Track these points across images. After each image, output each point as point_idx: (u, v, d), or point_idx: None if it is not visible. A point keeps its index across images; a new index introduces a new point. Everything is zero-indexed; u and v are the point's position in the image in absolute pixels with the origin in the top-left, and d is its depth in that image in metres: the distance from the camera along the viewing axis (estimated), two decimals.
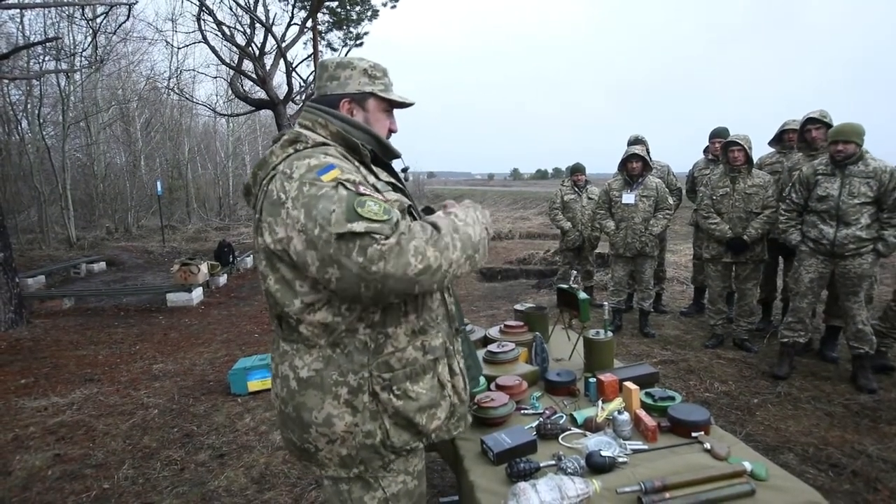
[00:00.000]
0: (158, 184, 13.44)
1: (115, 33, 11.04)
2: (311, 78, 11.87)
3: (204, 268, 7.68)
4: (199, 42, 10.43)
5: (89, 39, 9.96)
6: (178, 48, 13.58)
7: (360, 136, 1.28)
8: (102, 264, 10.41)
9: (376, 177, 1.27)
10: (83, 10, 9.49)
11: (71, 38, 14.39)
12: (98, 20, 9.41)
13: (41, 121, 14.07)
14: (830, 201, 3.38)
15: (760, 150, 4.59)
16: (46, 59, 13.08)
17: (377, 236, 1.02)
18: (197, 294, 7.20)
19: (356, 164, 1.22)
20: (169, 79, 15.42)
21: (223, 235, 13.61)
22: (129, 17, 9.16)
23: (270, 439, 3.18)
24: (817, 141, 3.92)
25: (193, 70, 16.34)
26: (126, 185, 18.05)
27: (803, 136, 4.05)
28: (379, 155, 1.34)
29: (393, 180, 1.34)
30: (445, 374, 1.31)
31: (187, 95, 15.34)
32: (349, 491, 1.26)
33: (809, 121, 3.99)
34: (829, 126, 3.78)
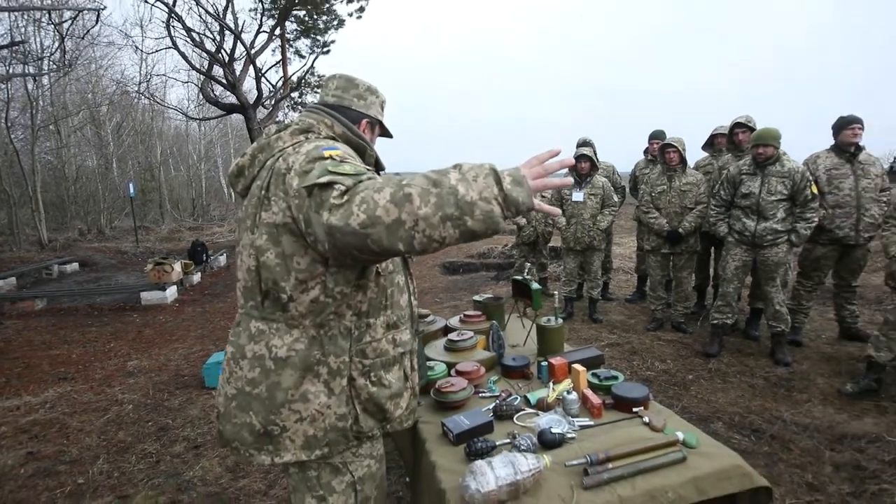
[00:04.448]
0: (131, 186, 12.85)
1: (83, 38, 10.46)
2: (279, 83, 11.58)
3: (178, 266, 7.40)
4: (169, 48, 10.02)
5: (57, 44, 9.39)
6: (148, 53, 12.93)
7: (362, 145, 1.29)
8: (75, 265, 9.90)
9: None
10: (50, 14, 8.94)
11: (38, 42, 13.56)
12: (65, 25, 8.89)
13: (9, 124, 13.21)
14: (752, 198, 3.53)
15: (696, 152, 4.76)
16: (13, 62, 12.27)
17: (337, 186, 0.94)
18: (171, 292, 6.94)
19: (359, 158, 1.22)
20: (139, 83, 14.71)
21: (196, 235, 13.17)
22: (97, 22, 8.69)
23: None
24: (743, 143, 4.11)
25: (164, 75, 15.58)
26: (98, 187, 17.17)
27: (732, 139, 4.23)
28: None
29: None
30: (409, 367, 1.33)
31: (158, 100, 14.72)
32: (318, 477, 1.23)
33: (737, 125, 4.18)
34: (753, 130, 3.96)
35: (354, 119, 1.32)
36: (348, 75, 1.36)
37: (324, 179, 0.96)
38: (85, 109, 16.99)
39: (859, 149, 3.66)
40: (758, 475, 1.35)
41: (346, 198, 0.93)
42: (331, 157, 1.05)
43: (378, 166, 1.36)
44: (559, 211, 1.04)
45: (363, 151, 1.27)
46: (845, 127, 3.64)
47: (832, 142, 3.77)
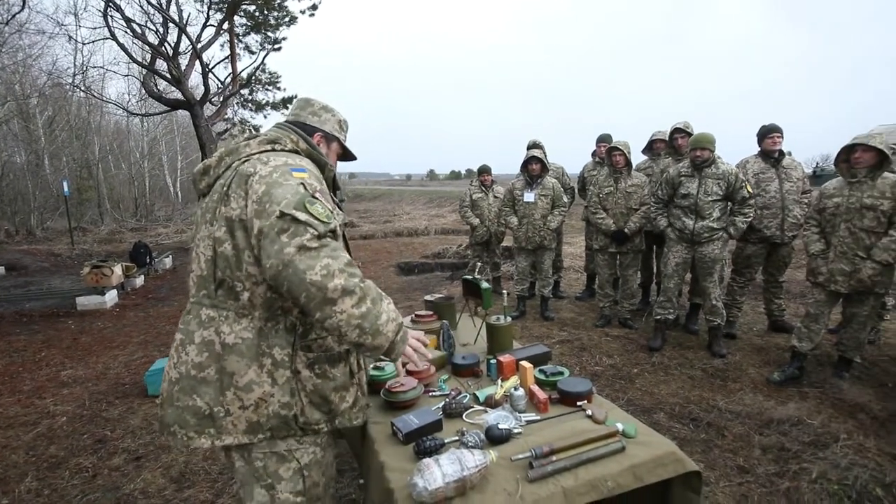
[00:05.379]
0: (65, 184, 12.00)
1: (7, 24, 9.69)
2: (228, 80, 11.17)
3: (118, 269, 7.00)
4: (107, 38, 9.43)
5: None
6: (83, 44, 12.04)
7: (322, 160, 1.41)
8: (1, 269, 9.17)
9: (331, 193, 1.41)
10: None
11: None
12: None
13: None
14: (691, 198, 3.73)
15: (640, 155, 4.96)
16: None
17: (311, 230, 1.11)
18: (111, 296, 6.55)
19: (320, 178, 1.34)
20: (74, 75, 13.76)
21: (139, 236, 12.52)
22: (23, 7, 8.08)
23: None
24: (682, 147, 4.33)
25: (102, 67, 14.67)
26: (28, 185, 15.96)
27: (672, 144, 4.45)
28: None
29: (337, 202, 1.48)
30: (355, 365, 1.39)
31: (95, 93, 13.83)
32: (264, 467, 1.28)
33: (676, 131, 4.40)
34: (691, 135, 4.18)
35: (309, 132, 1.45)
36: (307, 97, 1.53)
37: (301, 217, 1.12)
38: (11, 101, 15.73)
39: (782, 154, 3.95)
40: (690, 460, 1.44)
41: (317, 244, 1.11)
42: (302, 183, 1.19)
43: (335, 185, 1.48)
44: (423, 365, 1.42)
45: (323, 167, 1.40)
46: (766, 136, 3.94)
47: (758, 148, 4.05)
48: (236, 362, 1.22)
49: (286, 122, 1.47)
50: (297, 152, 1.35)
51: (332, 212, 1.19)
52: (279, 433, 1.26)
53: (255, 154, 1.28)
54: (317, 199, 1.17)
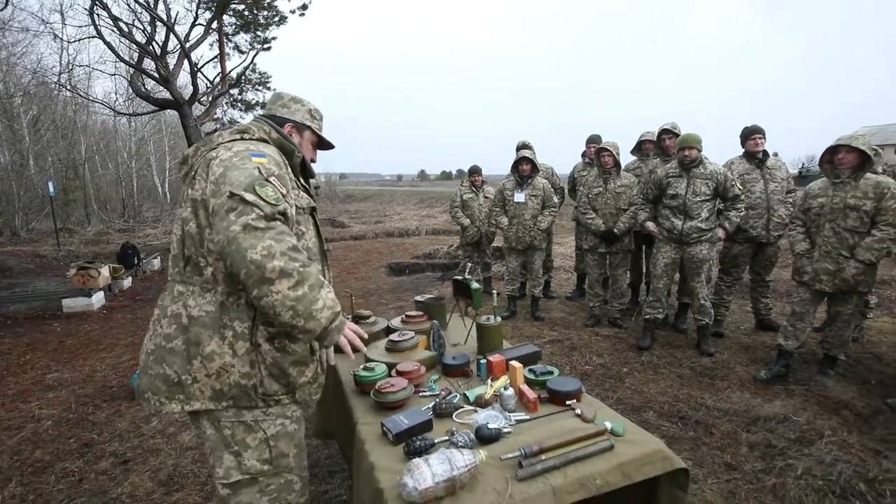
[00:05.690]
0: (50, 184, 11.82)
1: None
2: (217, 80, 11.08)
3: (105, 271, 6.92)
4: (94, 37, 9.30)
5: None
6: (69, 42, 11.82)
7: (289, 147, 1.48)
8: None
9: (298, 178, 1.49)
10: None
11: None
12: None
13: None
14: (679, 199, 3.76)
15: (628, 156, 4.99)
16: None
17: (256, 210, 1.18)
18: (98, 298, 6.47)
19: (285, 164, 1.41)
20: (60, 74, 13.54)
21: (127, 237, 12.37)
22: (6, 4, 7.94)
23: (179, 440, 2.94)
24: (670, 148, 4.37)
25: (88, 66, 14.46)
26: (12, 185, 15.69)
27: (660, 145, 4.49)
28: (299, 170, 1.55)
29: (306, 186, 1.56)
30: (315, 342, 1.44)
31: (82, 92, 13.63)
32: (232, 435, 1.35)
33: (664, 132, 4.44)
34: (678, 136, 4.23)
35: (280, 123, 1.53)
36: (278, 91, 1.62)
37: (249, 197, 1.19)
38: None
39: (767, 155, 4.01)
40: (677, 458, 1.45)
41: (262, 225, 1.17)
42: (258, 168, 1.26)
43: (305, 171, 1.55)
44: (349, 353, 1.41)
45: (291, 153, 1.47)
46: (748, 137, 4.00)
47: (742, 150, 4.10)
48: (200, 334, 1.29)
49: (261, 115, 1.57)
50: (265, 141, 1.43)
51: (283, 196, 1.26)
52: (241, 402, 1.33)
53: (224, 142, 1.37)
54: (269, 182, 1.24)
